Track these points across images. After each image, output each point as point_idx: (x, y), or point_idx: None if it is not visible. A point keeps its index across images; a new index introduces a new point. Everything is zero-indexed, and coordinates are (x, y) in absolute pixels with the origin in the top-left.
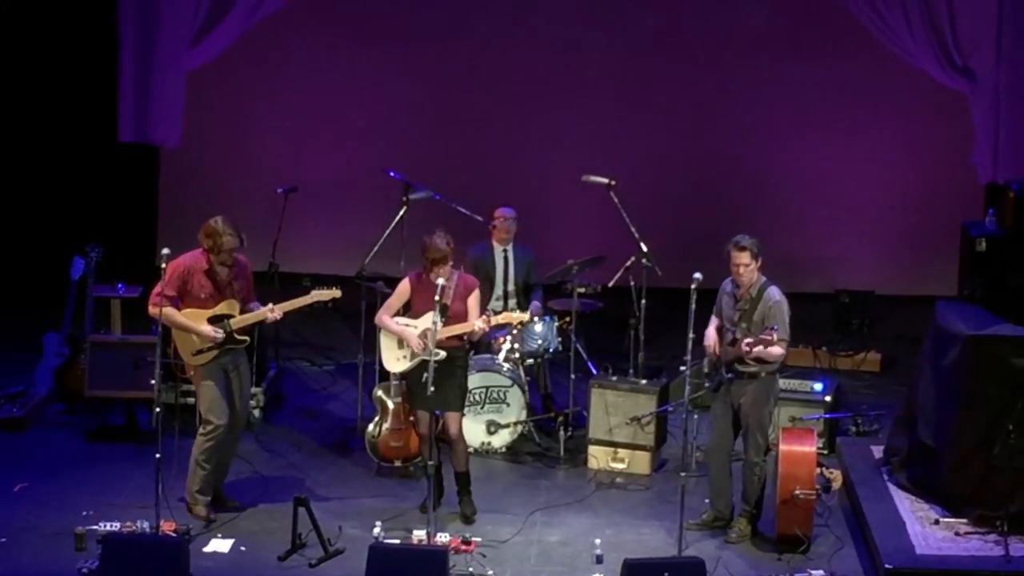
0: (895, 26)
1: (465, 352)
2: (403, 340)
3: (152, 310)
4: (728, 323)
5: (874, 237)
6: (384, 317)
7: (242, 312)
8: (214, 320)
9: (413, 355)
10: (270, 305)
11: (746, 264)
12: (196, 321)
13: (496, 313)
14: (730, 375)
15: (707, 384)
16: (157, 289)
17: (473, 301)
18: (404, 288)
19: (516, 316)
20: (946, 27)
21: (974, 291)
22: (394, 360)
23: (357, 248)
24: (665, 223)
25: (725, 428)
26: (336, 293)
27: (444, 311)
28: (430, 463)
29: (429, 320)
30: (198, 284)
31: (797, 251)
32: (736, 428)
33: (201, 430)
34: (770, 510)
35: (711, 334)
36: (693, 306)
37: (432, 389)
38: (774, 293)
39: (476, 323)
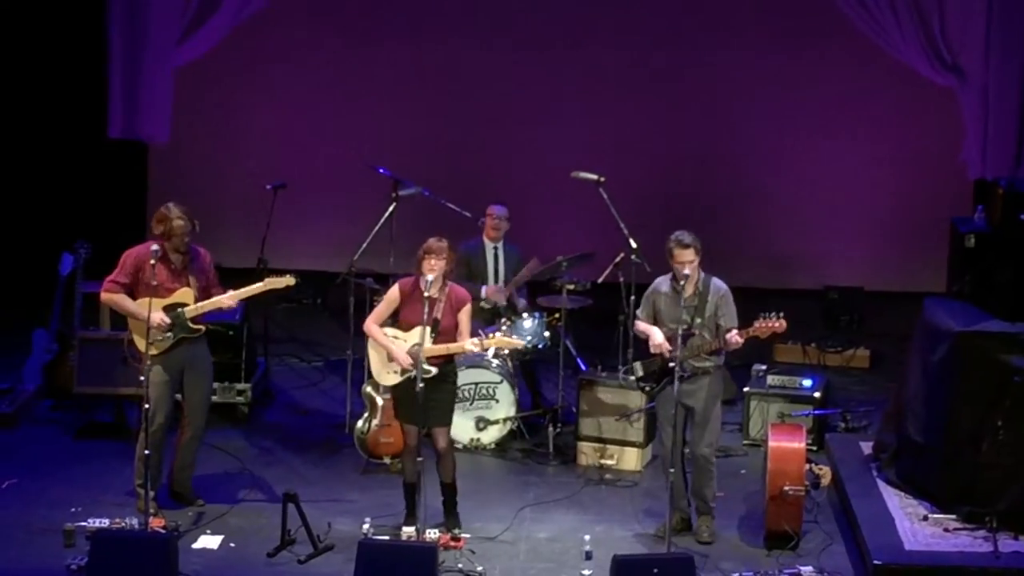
0: (884, 23)
1: (454, 367)
2: (390, 355)
3: (103, 296)
4: (674, 323)
5: (863, 234)
6: (372, 327)
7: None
8: (169, 309)
9: (403, 370)
10: (229, 293)
11: (691, 261)
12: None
13: (489, 304)
14: (687, 373)
15: (647, 387)
16: (111, 276)
17: (464, 316)
18: (393, 295)
19: (508, 341)
20: (935, 24)
21: (963, 287)
22: (385, 373)
23: (346, 244)
24: (654, 219)
25: (680, 427)
26: (290, 281)
27: (435, 326)
28: (411, 476)
29: (418, 336)
30: (151, 272)
31: (786, 248)
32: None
33: (143, 424)
34: (759, 506)
35: (659, 335)
36: (682, 302)
37: (405, 400)
38: (720, 284)
39: (467, 344)
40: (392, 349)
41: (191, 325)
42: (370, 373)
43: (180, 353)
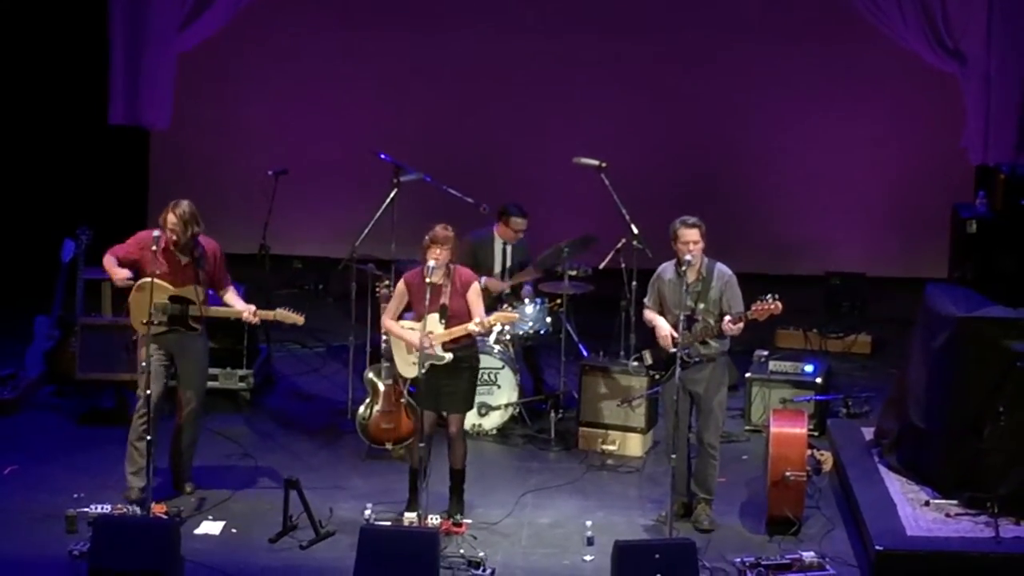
0: (886, 9)
1: (474, 353)
2: (408, 345)
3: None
4: (679, 309)
5: (865, 220)
6: (388, 322)
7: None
8: (176, 300)
9: (424, 359)
10: (252, 308)
11: (695, 241)
12: (156, 291)
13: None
14: (697, 359)
15: (656, 375)
16: (115, 246)
17: (473, 296)
18: (400, 290)
19: (507, 316)
20: (937, 9)
21: (964, 273)
22: (407, 365)
23: (348, 230)
24: (655, 205)
25: (685, 414)
26: (299, 320)
27: (444, 312)
28: (420, 458)
29: (430, 323)
30: (152, 259)
31: (788, 234)
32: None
33: (136, 406)
34: (761, 491)
35: (665, 325)
36: (684, 288)
37: (422, 387)
38: (725, 269)
39: (470, 325)
40: (407, 336)
41: (191, 324)
42: (372, 358)
43: (171, 338)
